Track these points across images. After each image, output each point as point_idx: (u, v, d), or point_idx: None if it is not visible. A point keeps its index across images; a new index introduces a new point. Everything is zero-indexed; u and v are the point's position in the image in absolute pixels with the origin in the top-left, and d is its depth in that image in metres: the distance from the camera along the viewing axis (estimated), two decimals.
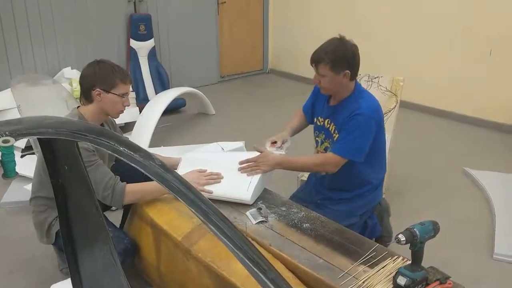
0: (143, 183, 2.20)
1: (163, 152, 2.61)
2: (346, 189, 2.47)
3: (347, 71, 2.25)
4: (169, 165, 2.67)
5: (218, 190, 2.23)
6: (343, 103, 2.37)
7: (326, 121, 2.46)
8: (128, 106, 2.31)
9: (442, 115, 5.06)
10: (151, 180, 0.93)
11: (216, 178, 2.26)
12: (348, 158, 2.30)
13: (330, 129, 2.44)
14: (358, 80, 3.31)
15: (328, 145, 2.47)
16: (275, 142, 2.50)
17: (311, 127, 2.68)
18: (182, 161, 2.42)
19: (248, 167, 2.30)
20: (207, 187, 2.23)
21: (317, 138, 2.56)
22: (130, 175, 2.25)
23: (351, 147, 2.29)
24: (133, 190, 2.18)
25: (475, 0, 4.65)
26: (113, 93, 2.22)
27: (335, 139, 2.40)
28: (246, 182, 2.23)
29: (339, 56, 2.23)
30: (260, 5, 6.77)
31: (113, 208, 2.82)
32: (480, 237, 2.95)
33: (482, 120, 4.80)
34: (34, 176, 2.37)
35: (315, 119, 2.57)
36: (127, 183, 2.20)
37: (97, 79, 2.21)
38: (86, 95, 2.25)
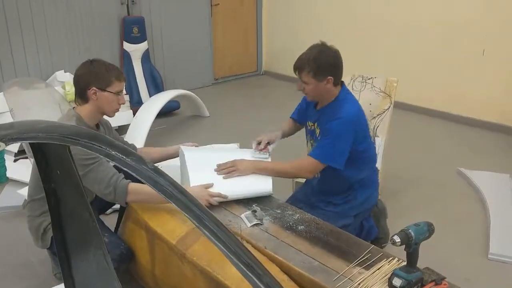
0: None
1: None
2: (338, 193, 2.48)
3: (330, 77, 2.27)
4: (166, 155, 2.62)
5: (235, 189, 2.23)
6: (327, 107, 2.39)
7: (315, 124, 2.48)
8: (123, 103, 2.30)
9: (436, 116, 5.08)
10: None
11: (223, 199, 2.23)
12: (324, 163, 2.29)
13: (316, 132, 2.45)
14: (352, 81, 3.35)
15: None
16: (260, 143, 2.50)
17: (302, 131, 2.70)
18: (187, 161, 2.35)
19: (225, 168, 2.28)
20: (222, 190, 2.21)
21: (309, 141, 2.59)
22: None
23: (328, 152, 2.29)
24: (136, 190, 2.13)
25: (468, 0, 4.68)
26: (109, 91, 2.20)
27: None
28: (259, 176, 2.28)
29: (321, 64, 2.26)
30: (253, 6, 6.76)
31: (108, 212, 2.81)
32: (475, 237, 2.95)
33: (476, 120, 4.81)
34: (30, 180, 2.36)
35: (307, 123, 2.58)
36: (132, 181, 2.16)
37: (92, 78, 2.19)
38: (81, 95, 2.23)
